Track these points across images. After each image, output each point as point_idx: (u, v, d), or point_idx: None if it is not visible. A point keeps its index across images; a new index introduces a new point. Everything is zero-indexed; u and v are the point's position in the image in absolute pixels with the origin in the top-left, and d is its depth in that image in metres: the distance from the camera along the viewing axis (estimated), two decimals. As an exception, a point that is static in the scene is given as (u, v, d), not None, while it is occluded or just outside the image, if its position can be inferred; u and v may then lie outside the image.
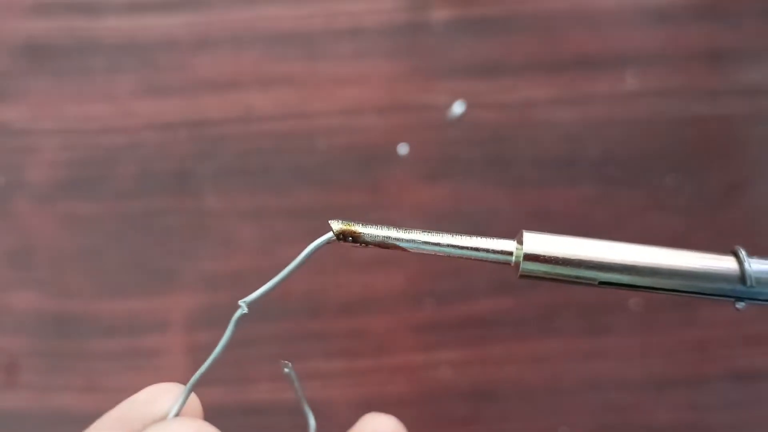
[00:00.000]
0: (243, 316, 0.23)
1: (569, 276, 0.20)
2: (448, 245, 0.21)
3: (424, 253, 0.21)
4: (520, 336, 0.39)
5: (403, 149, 0.41)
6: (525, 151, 0.41)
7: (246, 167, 0.41)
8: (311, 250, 0.21)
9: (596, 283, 0.20)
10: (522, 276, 0.20)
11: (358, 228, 0.21)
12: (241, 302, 0.23)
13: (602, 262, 0.20)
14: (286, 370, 0.24)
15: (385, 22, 0.43)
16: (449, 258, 0.21)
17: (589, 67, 0.42)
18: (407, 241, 0.21)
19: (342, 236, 0.21)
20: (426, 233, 0.21)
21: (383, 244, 0.21)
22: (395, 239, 0.21)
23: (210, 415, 0.41)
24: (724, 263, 0.20)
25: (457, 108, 0.42)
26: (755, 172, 0.41)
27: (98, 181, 0.41)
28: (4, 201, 0.41)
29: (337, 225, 0.21)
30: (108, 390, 0.39)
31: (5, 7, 0.43)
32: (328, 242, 0.21)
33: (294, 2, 0.43)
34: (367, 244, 0.21)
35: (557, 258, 0.20)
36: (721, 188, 0.41)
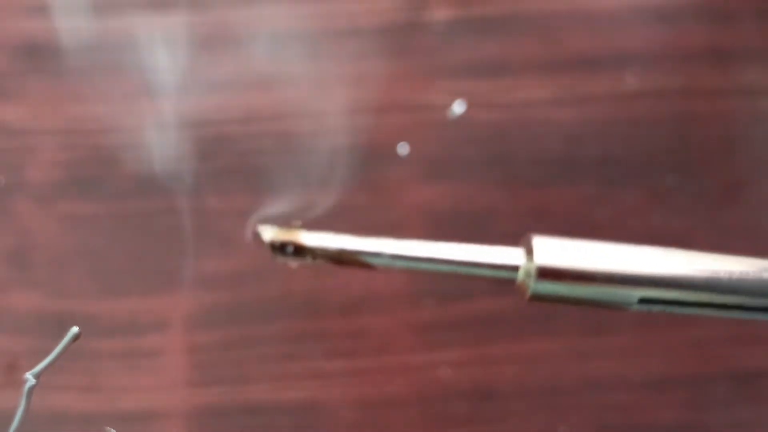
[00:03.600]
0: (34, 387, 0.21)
1: (597, 296, 0.15)
2: (425, 258, 0.15)
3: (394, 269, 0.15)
4: (521, 336, 0.39)
5: (403, 149, 0.41)
6: (525, 151, 0.41)
7: (246, 167, 0.41)
8: (66, 343, 0.19)
9: (634, 301, 0.15)
10: (533, 298, 0.15)
11: (302, 238, 0.15)
12: (28, 375, 0.21)
13: (643, 275, 0.15)
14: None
15: (385, 22, 0.43)
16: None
17: (589, 67, 0.42)
18: (370, 254, 0.15)
19: (279, 248, 0.15)
20: (395, 242, 0.15)
21: (339, 259, 0.15)
22: (355, 252, 0.15)
23: (209, 415, 0.41)
24: None
25: (457, 108, 0.42)
26: (756, 171, 0.41)
27: (98, 181, 0.41)
28: (4, 201, 0.41)
29: (269, 232, 0.15)
30: (108, 390, 0.39)
31: (4, 6, 0.43)
32: (75, 339, 0.19)
33: (294, 2, 0.43)
34: (314, 257, 0.15)
35: (582, 273, 0.15)
36: (721, 188, 0.41)
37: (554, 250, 0.15)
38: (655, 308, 0.15)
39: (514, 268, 0.15)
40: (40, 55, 0.42)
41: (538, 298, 0.15)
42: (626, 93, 0.42)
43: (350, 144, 0.42)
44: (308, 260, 0.16)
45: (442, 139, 0.42)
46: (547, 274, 0.15)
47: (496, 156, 0.41)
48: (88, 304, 0.40)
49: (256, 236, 0.16)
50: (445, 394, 0.39)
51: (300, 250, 0.15)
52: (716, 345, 0.39)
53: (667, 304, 0.15)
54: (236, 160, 0.41)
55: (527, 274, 0.15)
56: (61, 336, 0.40)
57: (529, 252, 0.15)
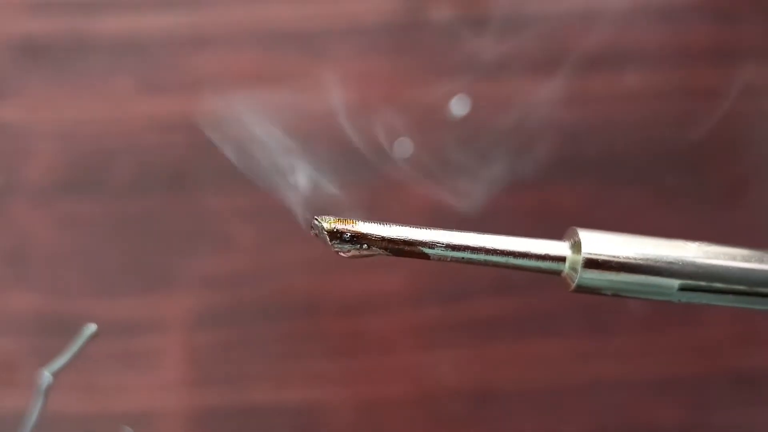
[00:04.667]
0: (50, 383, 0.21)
1: (640, 286, 0.16)
2: (478, 248, 0.15)
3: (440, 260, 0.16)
4: (521, 336, 0.39)
5: (403, 149, 0.41)
6: (526, 151, 0.41)
7: (246, 167, 0.41)
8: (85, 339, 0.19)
9: (674, 290, 0.16)
10: (578, 289, 0.16)
11: (360, 227, 0.16)
12: (46, 372, 0.21)
13: (682, 264, 0.16)
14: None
15: (386, 22, 0.43)
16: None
17: (589, 67, 0.42)
18: (426, 244, 0.15)
19: (337, 236, 0.16)
20: (449, 233, 0.16)
21: (395, 248, 0.16)
22: (411, 242, 0.15)
23: (209, 415, 0.41)
24: None
25: (458, 107, 0.42)
26: (757, 172, 0.41)
27: (97, 181, 0.41)
28: (2, 201, 0.41)
29: (329, 222, 0.16)
30: (108, 390, 0.39)
31: (4, 6, 0.43)
32: (93, 337, 0.19)
33: (294, 2, 0.43)
34: (370, 245, 0.16)
35: (626, 263, 0.15)
36: (722, 188, 0.41)
37: (599, 243, 0.16)
38: (695, 298, 0.16)
39: (561, 259, 0.16)
40: (38, 55, 0.42)
41: (583, 289, 0.16)
42: (627, 92, 0.42)
43: (351, 143, 0.41)
44: (364, 249, 0.16)
45: (442, 138, 0.41)
46: (593, 264, 0.15)
47: (496, 155, 0.41)
48: (87, 304, 0.40)
49: (315, 226, 0.16)
50: (445, 394, 0.39)
51: (357, 239, 0.16)
52: (718, 346, 0.39)
53: (705, 292, 0.16)
54: (236, 160, 0.41)
55: (573, 265, 0.16)
56: (59, 336, 0.40)
57: (574, 245, 0.16)
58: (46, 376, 0.20)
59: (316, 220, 0.16)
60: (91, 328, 0.20)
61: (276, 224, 0.40)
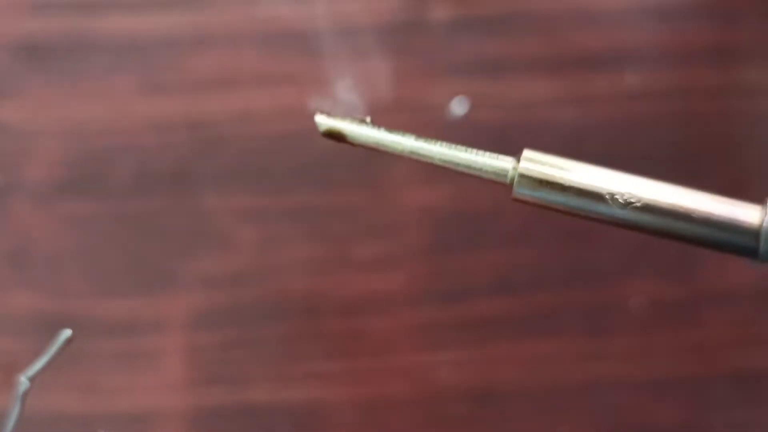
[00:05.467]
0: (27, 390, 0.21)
1: (571, 204, 0.19)
2: (438, 158, 0.21)
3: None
4: (521, 336, 0.39)
5: (403, 149, 0.41)
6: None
7: (246, 167, 0.41)
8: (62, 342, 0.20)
9: (599, 212, 0.19)
10: (515, 200, 0.19)
11: (346, 128, 0.20)
12: (22, 377, 0.22)
13: (605, 192, 0.19)
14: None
15: (386, 22, 0.43)
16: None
17: (589, 67, 0.42)
18: (397, 147, 0.21)
19: (329, 135, 0.20)
20: (419, 141, 0.21)
21: (371, 148, 0.20)
22: (385, 145, 0.21)
23: (209, 416, 0.41)
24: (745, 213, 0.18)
25: (458, 108, 0.42)
26: (757, 171, 0.41)
27: (97, 181, 0.41)
28: (3, 201, 0.41)
29: (324, 122, 0.20)
30: (107, 390, 0.39)
31: (4, 6, 0.43)
32: (68, 343, 0.20)
33: (294, 2, 0.43)
34: (353, 144, 0.20)
35: (556, 183, 0.19)
36: (722, 188, 0.41)
37: (537, 162, 0.19)
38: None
39: (504, 173, 0.19)
40: (40, 55, 0.42)
41: (519, 200, 0.19)
42: (627, 92, 0.42)
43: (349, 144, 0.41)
44: (350, 143, 0.20)
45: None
46: (526, 179, 0.19)
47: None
48: (88, 304, 0.40)
49: (315, 119, 0.20)
50: (445, 395, 0.39)
51: (342, 139, 0.20)
52: (717, 346, 0.39)
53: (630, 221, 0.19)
54: (236, 160, 0.41)
55: (513, 177, 0.19)
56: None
57: (518, 161, 0.19)
58: (23, 381, 0.20)
59: (317, 114, 0.20)
60: (66, 332, 0.20)
61: (276, 224, 0.40)
